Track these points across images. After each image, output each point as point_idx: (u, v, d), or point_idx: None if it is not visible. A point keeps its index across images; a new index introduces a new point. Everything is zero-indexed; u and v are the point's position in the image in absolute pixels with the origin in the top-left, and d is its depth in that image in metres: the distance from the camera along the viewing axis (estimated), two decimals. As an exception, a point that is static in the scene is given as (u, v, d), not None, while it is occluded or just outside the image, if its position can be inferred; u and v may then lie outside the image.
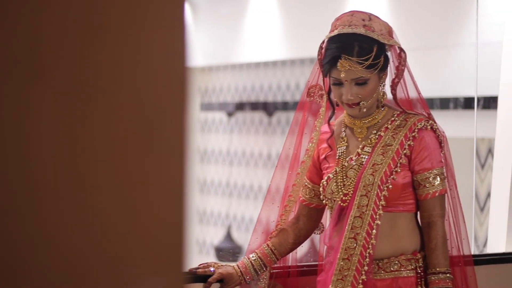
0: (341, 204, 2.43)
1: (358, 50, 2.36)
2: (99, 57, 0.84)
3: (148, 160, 0.85)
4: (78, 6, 0.83)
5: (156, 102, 0.85)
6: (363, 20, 2.40)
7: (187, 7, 6.99)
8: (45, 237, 0.82)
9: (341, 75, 2.37)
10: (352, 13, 2.42)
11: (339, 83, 2.40)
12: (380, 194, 2.39)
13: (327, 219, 2.60)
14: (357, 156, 2.46)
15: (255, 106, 6.93)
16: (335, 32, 2.39)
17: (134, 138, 0.84)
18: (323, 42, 2.44)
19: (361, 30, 2.37)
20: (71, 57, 0.83)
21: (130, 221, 0.84)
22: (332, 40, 2.39)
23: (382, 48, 2.41)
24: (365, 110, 2.42)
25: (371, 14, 2.44)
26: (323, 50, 2.42)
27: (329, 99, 2.53)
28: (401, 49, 2.44)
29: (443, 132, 2.49)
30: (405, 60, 2.45)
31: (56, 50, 0.82)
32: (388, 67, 2.46)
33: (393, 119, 2.47)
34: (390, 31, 2.44)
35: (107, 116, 0.84)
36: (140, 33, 0.86)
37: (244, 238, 6.68)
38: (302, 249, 2.69)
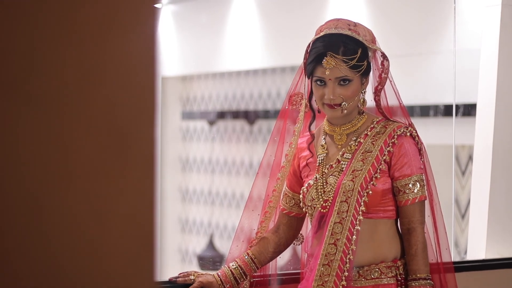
0: (321, 210, 2.44)
1: (343, 49, 2.40)
2: (69, 68, 0.83)
3: (119, 168, 0.85)
4: (47, 18, 0.83)
5: (127, 112, 0.85)
6: (349, 25, 2.44)
7: (169, 16, 6.99)
8: (8, 244, 0.81)
9: (326, 73, 2.39)
10: (338, 19, 2.47)
11: (322, 83, 2.42)
12: (360, 200, 2.40)
13: (307, 229, 2.61)
14: (337, 163, 2.47)
15: (236, 114, 6.93)
16: (321, 34, 2.42)
17: (105, 148, 0.84)
18: (309, 46, 2.46)
19: (347, 32, 2.41)
20: (42, 69, 0.83)
21: (100, 229, 0.84)
22: (318, 40, 2.42)
23: (365, 54, 2.43)
24: (345, 112, 2.44)
25: (356, 22, 2.48)
26: (308, 52, 2.45)
27: (310, 105, 2.54)
28: (384, 57, 2.47)
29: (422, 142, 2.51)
30: (387, 69, 2.48)
31: (25, 61, 0.82)
32: (370, 75, 2.48)
33: (372, 126, 2.49)
34: (373, 39, 2.47)
35: (78, 126, 0.83)
36: (110, 43, 0.85)
37: (227, 247, 6.67)
38: (283, 257, 2.69)
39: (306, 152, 2.55)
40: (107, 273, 0.86)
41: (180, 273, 2.58)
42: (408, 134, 2.47)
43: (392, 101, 2.53)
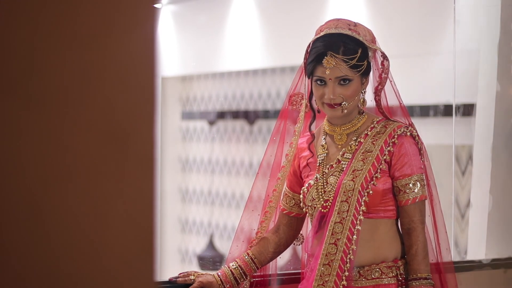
0: (322, 210, 2.44)
1: (343, 49, 2.40)
2: (69, 68, 0.83)
3: (119, 169, 0.85)
4: (47, 19, 0.83)
5: (126, 112, 0.85)
6: (349, 25, 2.45)
7: (169, 16, 6.99)
8: (8, 244, 0.81)
9: (326, 72, 2.40)
10: (338, 19, 2.47)
11: (322, 83, 2.42)
12: (360, 200, 2.40)
13: (307, 229, 2.61)
14: (337, 163, 2.48)
15: (236, 114, 6.93)
16: (321, 34, 2.42)
17: (105, 149, 0.84)
18: (309, 45, 2.46)
19: (347, 32, 2.41)
20: (41, 69, 0.82)
21: (99, 229, 0.84)
22: (318, 39, 2.43)
23: (365, 53, 2.44)
24: (345, 111, 2.44)
25: (356, 22, 2.48)
26: (308, 52, 2.45)
27: (310, 105, 2.55)
28: (384, 57, 2.48)
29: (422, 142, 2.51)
30: (387, 69, 2.48)
31: (25, 62, 0.82)
32: (370, 75, 2.48)
33: (372, 126, 2.49)
34: (373, 39, 2.48)
35: (78, 127, 0.83)
36: (109, 44, 0.85)
37: (227, 247, 6.67)
38: (284, 257, 2.69)
39: (307, 152, 2.56)
40: (107, 273, 0.86)
41: (180, 273, 2.59)
42: (408, 134, 2.47)
43: (392, 101, 2.53)
